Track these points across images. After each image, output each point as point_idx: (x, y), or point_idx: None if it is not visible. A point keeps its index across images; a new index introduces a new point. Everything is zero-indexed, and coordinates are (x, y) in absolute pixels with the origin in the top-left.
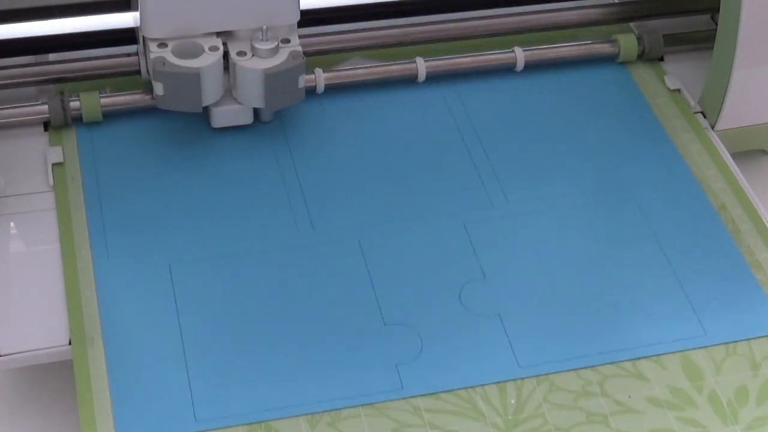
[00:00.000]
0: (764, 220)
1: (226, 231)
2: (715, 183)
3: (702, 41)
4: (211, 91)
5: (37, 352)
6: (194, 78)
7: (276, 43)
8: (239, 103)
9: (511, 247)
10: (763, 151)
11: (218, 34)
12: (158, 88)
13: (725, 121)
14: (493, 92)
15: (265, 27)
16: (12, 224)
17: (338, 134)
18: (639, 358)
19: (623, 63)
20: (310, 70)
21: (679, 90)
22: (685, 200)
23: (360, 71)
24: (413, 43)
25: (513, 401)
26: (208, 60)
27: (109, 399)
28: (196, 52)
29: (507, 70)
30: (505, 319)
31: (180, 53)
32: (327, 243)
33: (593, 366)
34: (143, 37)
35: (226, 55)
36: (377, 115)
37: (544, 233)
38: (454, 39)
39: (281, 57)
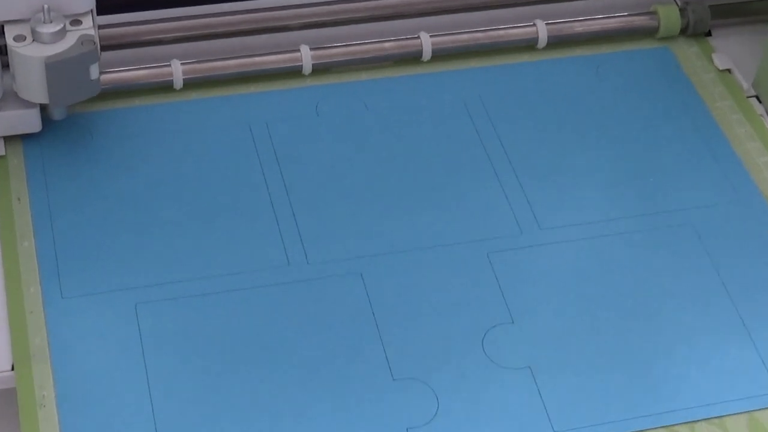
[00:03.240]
0: None
1: (203, 265)
2: None
3: (755, 13)
4: None
5: None
6: None
7: (62, 26)
8: (22, 104)
9: (543, 284)
10: None
11: None
12: None
13: None
14: (511, 76)
15: (46, 6)
16: None
17: (334, 141)
18: (698, 421)
19: (664, 39)
20: (295, 47)
21: (729, 70)
22: (748, 221)
23: (354, 48)
24: (416, 15)
25: None
26: None
27: None
28: None
29: (527, 47)
30: (537, 372)
31: None
32: (322, 278)
33: (643, 431)
34: None
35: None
36: (376, 113)
37: (583, 266)
38: (464, 10)
39: (68, 42)
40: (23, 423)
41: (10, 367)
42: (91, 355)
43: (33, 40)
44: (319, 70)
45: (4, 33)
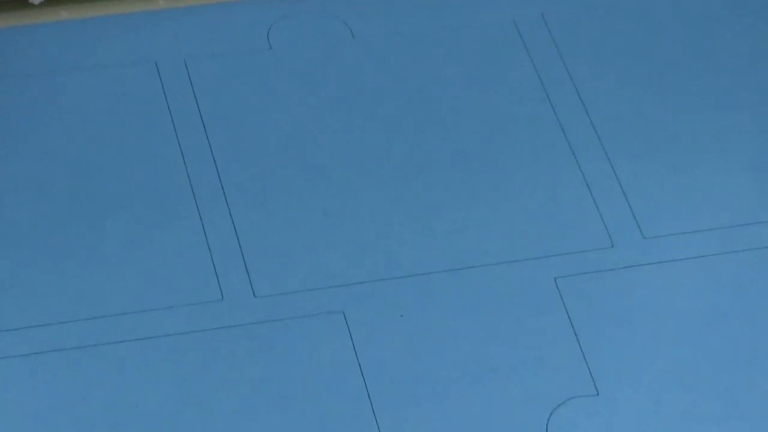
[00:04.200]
0: None
1: (84, 301)
2: None
3: None
4: None
5: None
6: None
7: None
8: None
9: (645, 328)
10: None
11: None
12: None
13: None
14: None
15: None
16: None
17: (295, 93)
18: None
19: None
20: None
21: None
22: None
23: None
24: None
25: None
26: None
27: None
28: None
29: None
30: None
31: None
32: (282, 317)
33: None
34: None
35: None
36: (366, 42)
37: (705, 298)
38: None
39: None
40: None
41: None
42: None
43: None
44: None
45: None
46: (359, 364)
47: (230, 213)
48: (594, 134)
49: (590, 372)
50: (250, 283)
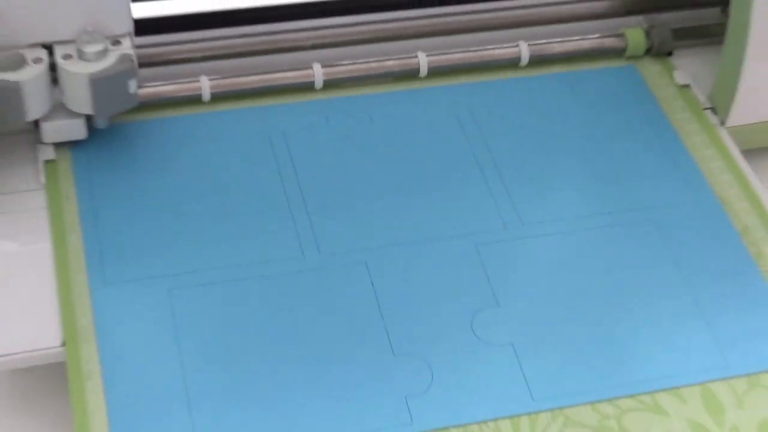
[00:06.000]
0: None
1: (228, 255)
2: (729, 189)
3: (711, 35)
4: (36, 104)
5: (30, 354)
6: (14, 92)
7: (104, 45)
8: (70, 115)
9: (525, 272)
10: None
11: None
12: None
13: (735, 118)
14: (497, 90)
15: (90, 28)
16: (4, 223)
17: (341, 148)
18: (657, 391)
19: (631, 58)
20: (308, 65)
21: (688, 85)
22: (704, 218)
23: (359, 66)
24: (413, 36)
25: None
26: (30, 73)
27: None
28: (18, 64)
29: (511, 65)
30: (518, 348)
31: (1, 65)
32: (333, 267)
33: (610, 399)
34: None
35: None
36: (379, 123)
37: (559, 257)
38: (456, 32)
39: (109, 60)
40: (72, 393)
41: (60, 344)
42: (130, 334)
43: (79, 59)
44: (329, 85)
45: (53, 52)
46: (376, 296)
47: (306, 208)
48: (495, 169)
49: (494, 293)
50: (317, 246)
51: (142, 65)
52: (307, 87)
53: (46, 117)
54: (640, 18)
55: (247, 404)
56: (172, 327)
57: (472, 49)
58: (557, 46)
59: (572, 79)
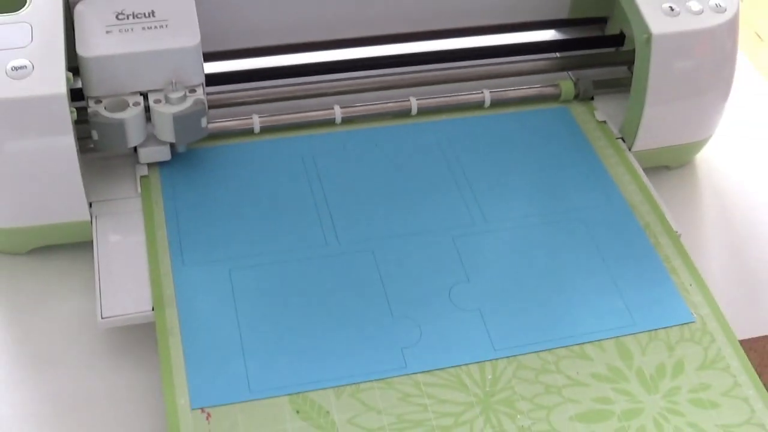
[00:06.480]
0: (676, 234)
1: (273, 244)
2: (635, 196)
3: (621, 85)
4: (135, 135)
5: (129, 316)
6: (119, 126)
7: (184, 93)
8: (159, 143)
9: (489, 257)
10: (666, 167)
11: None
12: (94, 135)
13: (639, 145)
14: (468, 125)
15: (174, 80)
16: (112, 221)
17: (356, 167)
18: (584, 343)
19: (564, 102)
20: (330, 106)
21: (605, 122)
22: (617, 217)
23: (369, 107)
24: (407, 86)
25: (490, 377)
26: (132, 113)
27: (184, 376)
28: (123, 106)
29: (478, 107)
30: (484, 313)
31: (111, 107)
32: (348, 253)
33: (550, 349)
34: (86, 96)
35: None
36: (383, 149)
37: (513, 245)
38: (438, 83)
39: (188, 103)
40: (160, 345)
41: (151, 308)
42: (202, 302)
43: (166, 102)
44: (346, 120)
45: (148, 98)
46: (379, 275)
47: (329, 210)
48: (467, 182)
49: (465, 272)
50: (337, 237)
51: (211, 107)
52: (330, 122)
53: (142, 144)
54: (570, 73)
55: (286, 353)
56: (232, 298)
57: (449, 94)
58: (511, 93)
59: (522, 117)
